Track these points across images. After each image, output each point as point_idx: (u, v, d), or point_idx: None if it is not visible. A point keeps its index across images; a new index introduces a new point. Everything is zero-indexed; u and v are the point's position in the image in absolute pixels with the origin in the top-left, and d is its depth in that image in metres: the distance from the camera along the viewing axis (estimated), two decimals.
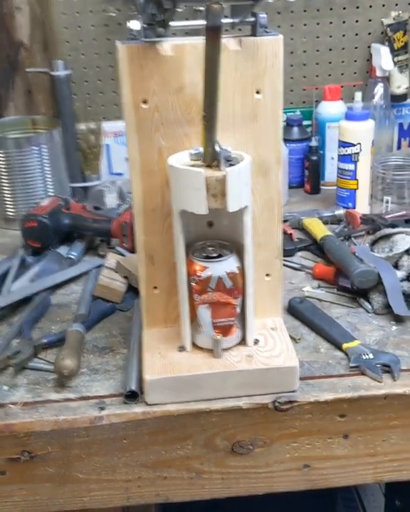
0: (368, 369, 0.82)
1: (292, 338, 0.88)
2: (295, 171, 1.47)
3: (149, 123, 0.75)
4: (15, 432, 0.77)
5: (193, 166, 0.72)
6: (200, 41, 0.72)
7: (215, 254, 0.78)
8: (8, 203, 1.33)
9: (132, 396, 0.79)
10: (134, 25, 0.70)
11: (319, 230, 1.19)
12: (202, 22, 0.72)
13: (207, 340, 0.80)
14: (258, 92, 0.75)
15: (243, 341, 0.82)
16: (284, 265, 0.88)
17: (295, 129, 1.45)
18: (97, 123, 1.44)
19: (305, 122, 1.48)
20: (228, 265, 0.77)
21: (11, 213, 1.33)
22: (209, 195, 0.70)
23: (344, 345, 0.87)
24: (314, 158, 1.43)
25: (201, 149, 0.71)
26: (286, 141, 1.42)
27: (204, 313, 0.79)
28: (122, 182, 1.42)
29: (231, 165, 0.71)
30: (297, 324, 0.95)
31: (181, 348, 0.82)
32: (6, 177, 1.31)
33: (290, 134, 1.44)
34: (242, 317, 0.81)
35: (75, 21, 1.39)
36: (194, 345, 0.82)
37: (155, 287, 0.84)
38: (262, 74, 0.74)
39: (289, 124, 1.45)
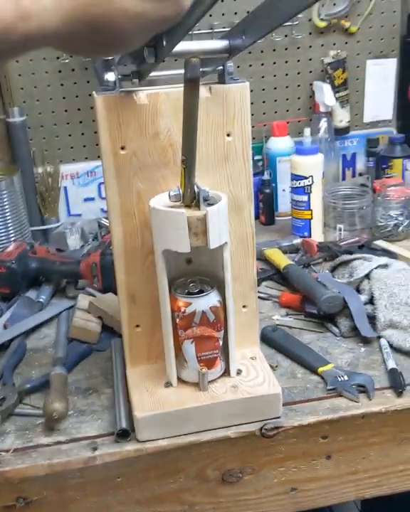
0: (345, 390, 0.87)
1: (270, 366, 0.91)
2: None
3: (128, 168, 0.78)
4: (9, 479, 0.77)
5: (173, 207, 0.75)
6: (173, 90, 0.76)
7: (196, 290, 0.81)
8: None
9: (124, 434, 0.80)
10: (110, 76, 0.74)
11: (281, 259, 1.24)
12: (174, 72, 0.77)
13: (192, 374, 0.83)
14: (228, 135, 0.80)
15: (226, 372, 0.85)
16: None
17: None
18: (54, 166, 1.46)
19: (256, 157, 1.55)
20: (210, 300, 0.80)
21: None
22: (191, 234, 0.73)
23: (320, 369, 0.91)
24: (268, 191, 1.49)
25: (180, 191, 0.75)
26: None
27: (189, 348, 0.81)
28: (82, 223, 1.44)
29: (210, 204, 0.74)
30: (272, 352, 0.99)
31: (168, 384, 0.84)
32: None
33: None
34: (224, 349, 0.84)
35: (29, 68, 1.42)
36: (180, 380, 0.84)
37: (137, 326, 0.87)
38: (231, 118, 0.79)
39: None
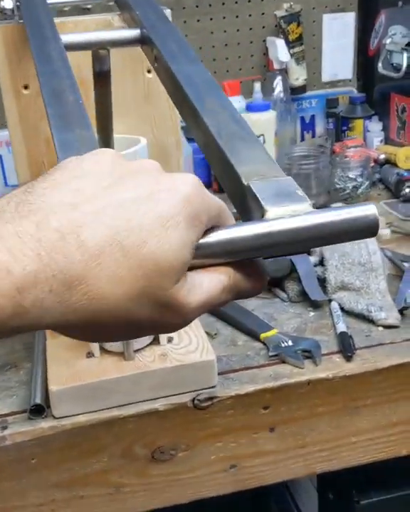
0: (288, 356, 0.80)
1: (207, 333, 0.84)
2: (200, 170, 1.43)
3: (33, 111, 0.69)
4: None
5: None
6: (81, 18, 0.67)
7: None
8: None
9: (38, 411, 0.72)
10: (7, 3, 0.64)
11: None
12: None
13: (117, 343, 0.75)
14: (148, 71, 0.71)
15: (155, 340, 0.77)
16: None
17: None
18: None
19: None
20: None
21: None
22: None
23: (262, 335, 0.84)
24: None
25: None
26: (190, 140, 1.39)
27: None
28: None
29: None
30: (212, 320, 0.91)
31: (90, 354, 0.76)
32: None
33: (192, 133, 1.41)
34: None
35: None
36: (103, 350, 0.76)
37: None
38: None
39: None
